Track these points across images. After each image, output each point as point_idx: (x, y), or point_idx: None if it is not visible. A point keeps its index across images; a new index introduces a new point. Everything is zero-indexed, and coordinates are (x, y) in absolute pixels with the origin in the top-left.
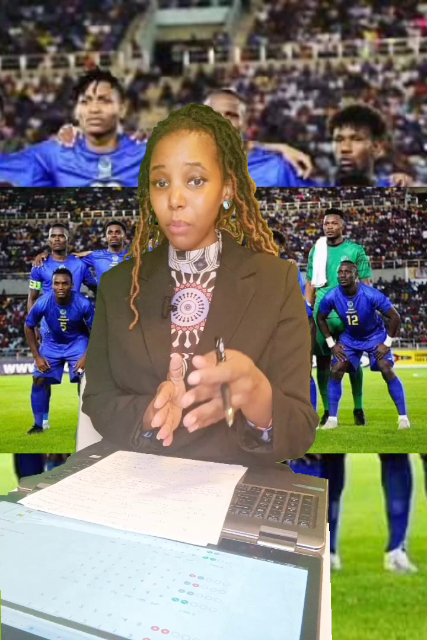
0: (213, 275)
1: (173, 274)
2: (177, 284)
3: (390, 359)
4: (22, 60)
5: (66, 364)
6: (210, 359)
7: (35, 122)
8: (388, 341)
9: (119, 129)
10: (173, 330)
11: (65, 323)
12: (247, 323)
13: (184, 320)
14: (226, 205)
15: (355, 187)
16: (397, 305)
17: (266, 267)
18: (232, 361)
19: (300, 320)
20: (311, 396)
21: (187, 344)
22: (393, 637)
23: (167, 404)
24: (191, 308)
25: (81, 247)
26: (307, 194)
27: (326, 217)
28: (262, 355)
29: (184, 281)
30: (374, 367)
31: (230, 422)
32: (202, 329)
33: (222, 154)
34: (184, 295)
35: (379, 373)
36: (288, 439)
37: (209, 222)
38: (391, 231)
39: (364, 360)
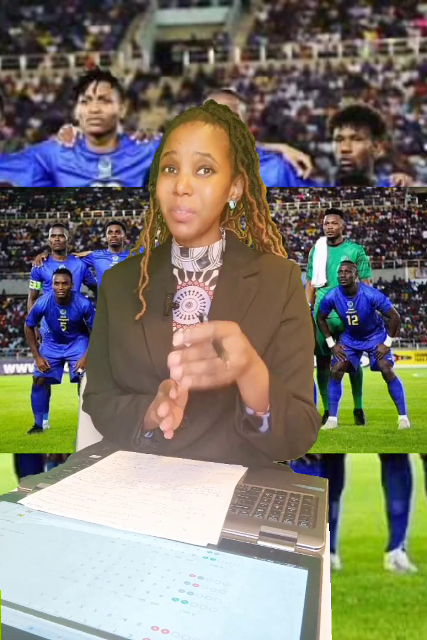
0: (216, 273)
1: (175, 271)
2: (179, 282)
3: (390, 359)
4: (22, 60)
5: (66, 364)
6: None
7: (35, 122)
8: (388, 341)
9: (119, 129)
10: (174, 328)
11: (65, 323)
12: (249, 322)
13: (185, 318)
14: (231, 205)
15: (355, 187)
16: (397, 305)
17: (269, 266)
18: (217, 322)
19: (302, 321)
20: None
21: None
22: (393, 637)
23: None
24: (193, 306)
25: (81, 247)
26: (307, 194)
27: (326, 217)
28: (264, 356)
29: (186, 279)
30: (374, 367)
31: (228, 363)
32: None
33: (235, 152)
34: (186, 292)
35: (379, 373)
36: (286, 428)
37: (213, 215)
38: (391, 231)
39: (364, 360)
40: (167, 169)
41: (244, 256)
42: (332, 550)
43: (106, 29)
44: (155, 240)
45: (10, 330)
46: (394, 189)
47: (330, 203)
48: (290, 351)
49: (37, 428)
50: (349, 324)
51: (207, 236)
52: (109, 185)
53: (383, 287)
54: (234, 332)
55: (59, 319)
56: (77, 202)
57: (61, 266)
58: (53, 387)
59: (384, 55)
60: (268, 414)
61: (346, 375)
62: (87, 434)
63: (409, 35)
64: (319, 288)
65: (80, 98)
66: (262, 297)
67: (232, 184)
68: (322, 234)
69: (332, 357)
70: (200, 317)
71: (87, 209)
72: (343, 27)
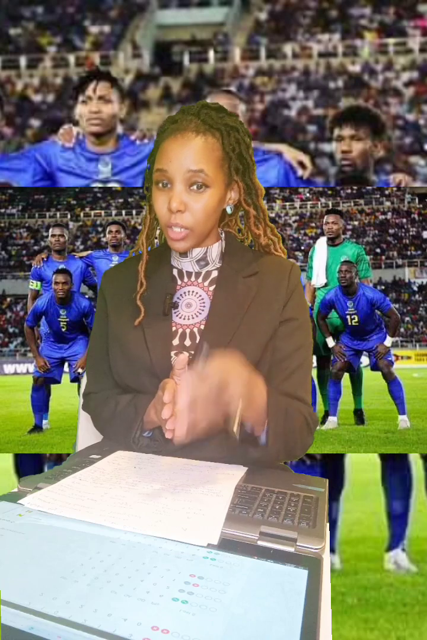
0: (215, 274)
1: (175, 271)
2: (179, 282)
3: (390, 359)
4: (22, 60)
5: (66, 364)
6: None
7: (35, 122)
8: (388, 341)
9: (119, 129)
10: (174, 328)
11: (65, 323)
12: (248, 322)
13: (184, 318)
14: (228, 210)
15: (355, 187)
16: (397, 305)
17: (268, 267)
18: (215, 371)
19: (301, 321)
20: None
21: (188, 342)
22: (393, 637)
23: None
24: (192, 306)
25: (81, 247)
26: (307, 194)
27: (326, 217)
28: (263, 355)
29: (186, 279)
30: (374, 367)
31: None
32: (202, 327)
33: (228, 160)
34: (185, 293)
35: (379, 373)
36: (284, 440)
37: (208, 226)
38: (391, 231)
39: (364, 360)
40: (160, 184)
41: (243, 256)
42: (332, 550)
43: (106, 29)
44: (155, 240)
45: (10, 330)
46: (394, 189)
47: (330, 203)
48: (288, 351)
49: (37, 428)
50: (349, 324)
51: (206, 239)
52: (109, 185)
53: (383, 287)
54: (232, 380)
55: (59, 319)
56: (77, 202)
57: (61, 266)
58: (53, 387)
59: (384, 55)
60: (266, 429)
61: (346, 375)
62: (87, 434)
63: (409, 35)
64: (319, 288)
65: (80, 98)
66: (262, 297)
67: (228, 191)
68: (322, 234)
69: (332, 357)
70: (203, 350)
71: (87, 209)
72: (343, 27)
